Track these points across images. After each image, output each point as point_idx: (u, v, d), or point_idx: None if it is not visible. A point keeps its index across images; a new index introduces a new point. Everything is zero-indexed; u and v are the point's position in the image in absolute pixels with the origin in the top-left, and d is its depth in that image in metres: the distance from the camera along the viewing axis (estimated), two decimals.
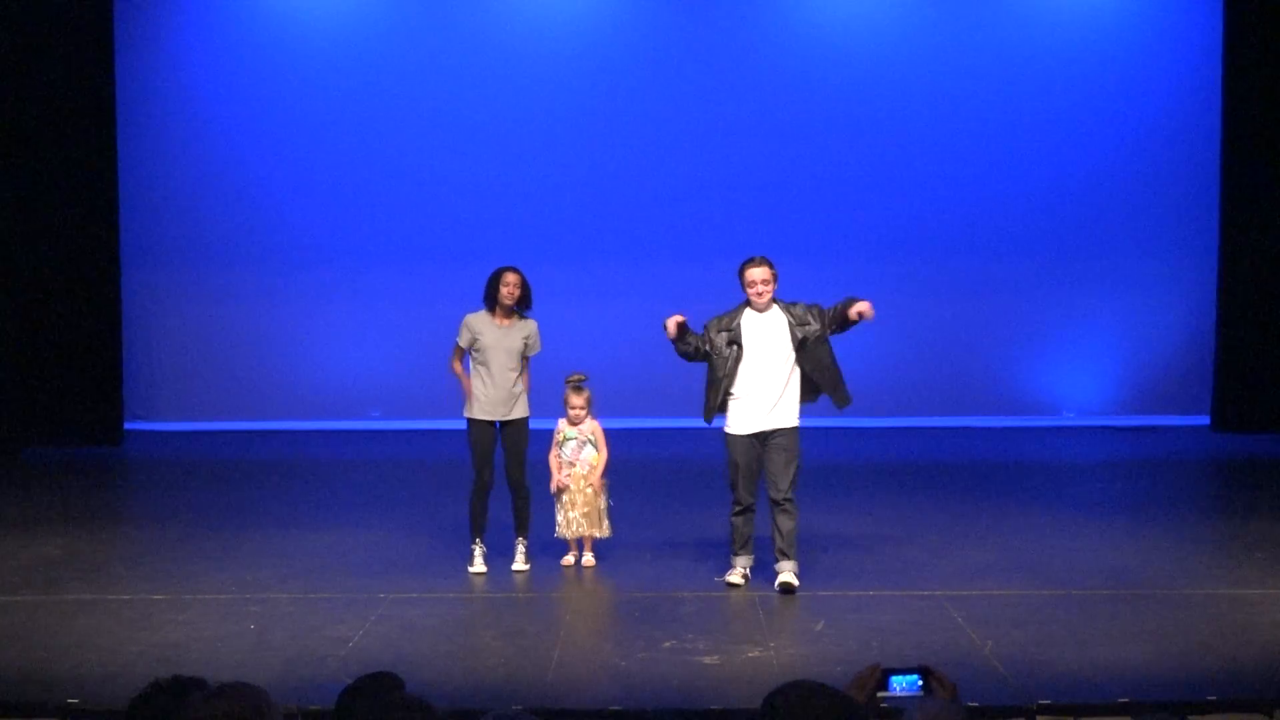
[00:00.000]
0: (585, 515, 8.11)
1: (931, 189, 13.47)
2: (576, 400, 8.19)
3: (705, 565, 8.15)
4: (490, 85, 13.43)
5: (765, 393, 7.58)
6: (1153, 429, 13.31)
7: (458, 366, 8.25)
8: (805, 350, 7.59)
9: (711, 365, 7.67)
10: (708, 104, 13.40)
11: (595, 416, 8.29)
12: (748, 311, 7.68)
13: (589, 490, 8.12)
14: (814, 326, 7.62)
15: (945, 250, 13.50)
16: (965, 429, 13.37)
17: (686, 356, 7.81)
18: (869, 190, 13.49)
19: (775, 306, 7.67)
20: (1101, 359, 13.65)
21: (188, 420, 13.59)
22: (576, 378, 8.25)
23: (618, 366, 12.70)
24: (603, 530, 8.18)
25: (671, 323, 7.68)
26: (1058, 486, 10.95)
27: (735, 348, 7.60)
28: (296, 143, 13.50)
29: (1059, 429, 13.41)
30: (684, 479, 11.01)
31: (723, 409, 7.66)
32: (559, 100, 13.42)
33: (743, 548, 7.78)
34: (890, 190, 13.48)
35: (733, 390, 7.59)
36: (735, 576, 7.76)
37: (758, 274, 7.61)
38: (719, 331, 7.66)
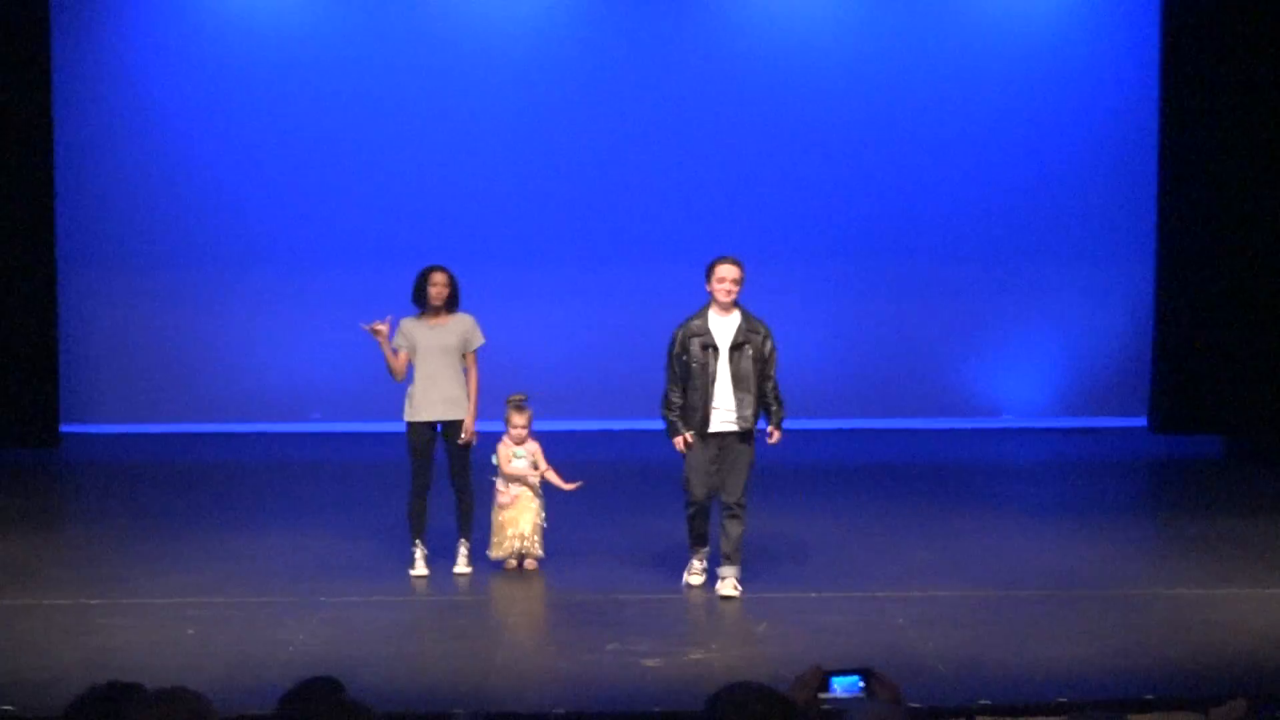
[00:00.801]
0: (520, 534, 8.12)
1: (872, 194, 13.53)
2: (518, 419, 8.19)
3: (648, 568, 8.16)
4: (444, 84, 13.33)
5: (725, 394, 7.58)
6: (1091, 430, 13.45)
7: (388, 355, 8.13)
8: (735, 354, 7.59)
9: (690, 374, 7.59)
10: (664, 106, 13.39)
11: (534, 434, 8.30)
12: (711, 314, 7.67)
13: (528, 509, 8.15)
14: (753, 342, 7.60)
15: (886, 254, 13.58)
16: (906, 431, 13.44)
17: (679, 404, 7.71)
18: (810, 195, 13.53)
19: (737, 310, 7.66)
20: (1041, 361, 13.78)
21: (126, 422, 13.43)
22: (518, 397, 8.25)
23: (563, 368, 12.72)
24: (538, 549, 8.19)
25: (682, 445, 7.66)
26: (998, 488, 11.04)
27: (711, 350, 7.59)
28: (241, 139, 13.35)
29: (999, 430, 13.52)
30: (627, 481, 11.00)
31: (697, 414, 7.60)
32: (515, 100, 13.33)
33: (698, 542, 7.83)
34: (831, 195, 13.53)
35: (716, 393, 7.55)
36: (693, 577, 7.82)
37: (728, 271, 7.58)
38: (692, 336, 7.61)
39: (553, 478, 8.23)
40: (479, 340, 8.16)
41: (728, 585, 7.58)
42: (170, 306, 13.43)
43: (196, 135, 13.33)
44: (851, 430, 13.32)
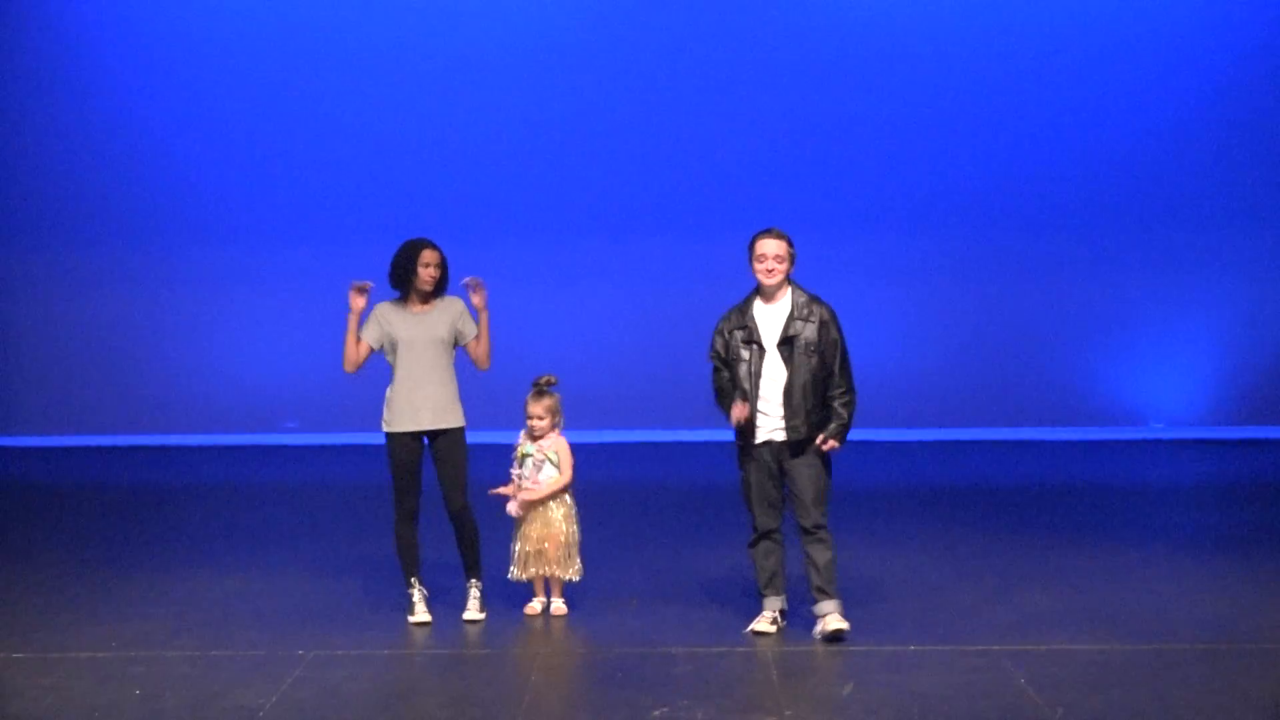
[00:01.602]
0: (541, 551, 8.07)
1: (991, 156, 13.52)
2: (535, 408, 8.13)
3: (703, 613, 8.15)
4: (436, 38, 13.42)
5: (773, 398, 7.59)
6: (1258, 443, 13.36)
7: (350, 336, 8.09)
8: (784, 349, 7.57)
9: (735, 372, 7.67)
10: (724, 64, 13.49)
11: (562, 429, 8.24)
12: (757, 301, 7.69)
13: (552, 518, 8.10)
14: (810, 329, 7.57)
15: (1005, 229, 13.55)
16: (1028, 443, 13.42)
17: (727, 392, 7.78)
18: (913, 158, 13.55)
19: (789, 292, 7.66)
20: (1196, 358, 13.71)
21: (56, 434, 13.55)
22: (543, 380, 8.17)
23: (593, 369, 12.72)
24: (571, 571, 8.16)
25: (741, 413, 7.66)
26: (1143, 514, 10.98)
27: (755, 346, 7.61)
28: (192, 96, 13.48)
29: (1145, 443, 13.46)
30: (676, 504, 11.01)
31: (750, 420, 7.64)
32: (519, 59, 13.45)
33: (769, 585, 7.81)
34: (941, 159, 13.54)
35: (761, 395, 7.59)
36: (763, 624, 7.79)
37: (769, 247, 7.61)
38: (733, 330, 7.67)
39: (557, 485, 8.15)
40: (473, 330, 8.11)
41: (834, 619, 7.56)
42: (107, 294, 13.55)
43: (137, 94, 13.47)
44: (961, 442, 13.29)
